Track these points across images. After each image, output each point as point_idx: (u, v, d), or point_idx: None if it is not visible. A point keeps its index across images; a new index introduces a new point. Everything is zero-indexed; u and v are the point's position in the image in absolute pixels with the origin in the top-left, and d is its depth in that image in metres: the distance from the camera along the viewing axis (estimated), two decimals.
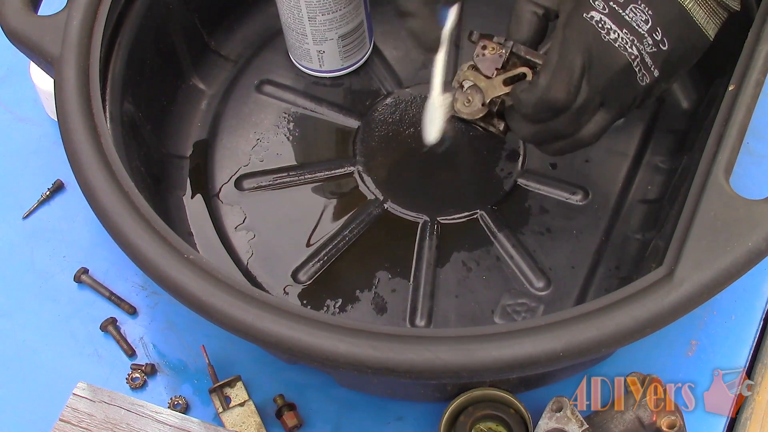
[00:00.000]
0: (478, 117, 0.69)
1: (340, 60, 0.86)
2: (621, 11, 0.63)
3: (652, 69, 0.64)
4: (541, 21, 0.68)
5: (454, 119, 0.71)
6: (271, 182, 0.82)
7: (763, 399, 0.72)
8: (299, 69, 0.88)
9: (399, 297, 0.76)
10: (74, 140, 0.67)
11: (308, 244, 0.78)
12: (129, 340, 0.76)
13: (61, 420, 0.68)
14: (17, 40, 0.72)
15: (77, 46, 0.70)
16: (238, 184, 0.82)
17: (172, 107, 0.85)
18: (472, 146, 0.82)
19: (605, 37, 0.63)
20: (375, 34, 0.88)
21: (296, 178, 0.82)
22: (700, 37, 0.64)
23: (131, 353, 0.75)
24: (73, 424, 0.67)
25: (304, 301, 0.76)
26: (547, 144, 0.69)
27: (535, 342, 0.58)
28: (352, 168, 0.82)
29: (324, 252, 0.78)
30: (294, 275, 0.77)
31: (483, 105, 0.69)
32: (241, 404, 0.71)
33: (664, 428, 0.65)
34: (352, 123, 0.85)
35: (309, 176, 0.82)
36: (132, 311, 0.77)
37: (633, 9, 0.63)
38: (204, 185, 0.82)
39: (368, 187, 0.81)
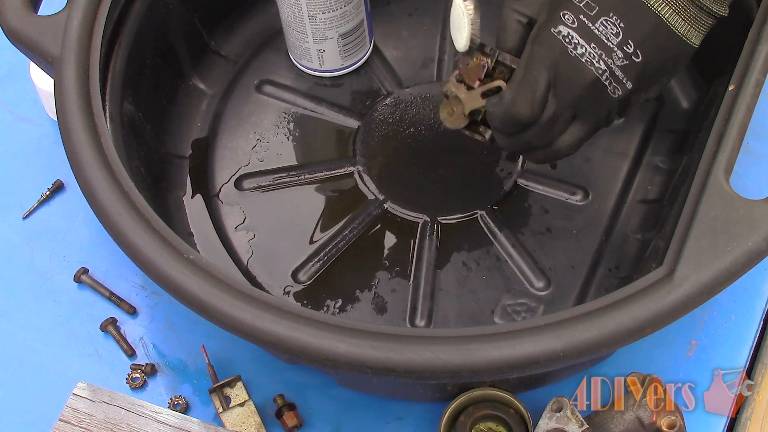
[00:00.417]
0: (461, 127, 0.70)
1: (341, 59, 0.86)
2: (590, 25, 0.63)
3: (624, 81, 0.63)
4: (526, 29, 0.67)
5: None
6: (271, 182, 0.82)
7: (763, 399, 0.72)
8: (299, 69, 0.88)
9: (399, 297, 0.76)
10: (74, 140, 0.67)
11: (308, 244, 0.78)
12: (129, 340, 0.76)
13: (61, 420, 0.68)
14: (17, 40, 0.72)
15: (77, 46, 0.70)
16: (238, 184, 0.82)
17: (172, 107, 0.85)
18: (472, 146, 0.82)
19: (572, 53, 0.63)
20: (375, 34, 0.88)
21: (296, 178, 0.82)
22: (681, 46, 0.63)
23: (131, 353, 0.75)
24: (73, 424, 0.67)
25: (304, 301, 0.76)
26: (525, 154, 0.70)
27: (535, 342, 0.58)
28: (352, 168, 0.82)
29: (324, 252, 0.78)
30: (294, 275, 0.77)
31: (464, 116, 0.69)
32: (241, 404, 0.71)
33: (664, 428, 0.65)
34: (352, 123, 0.85)
35: (309, 176, 0.82)
36: (132, 311, 0.77)
37: (603, 22, 0.62)
38: (204, 185, 0.82)
39: (368, 187, 0.81)
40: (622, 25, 0.62)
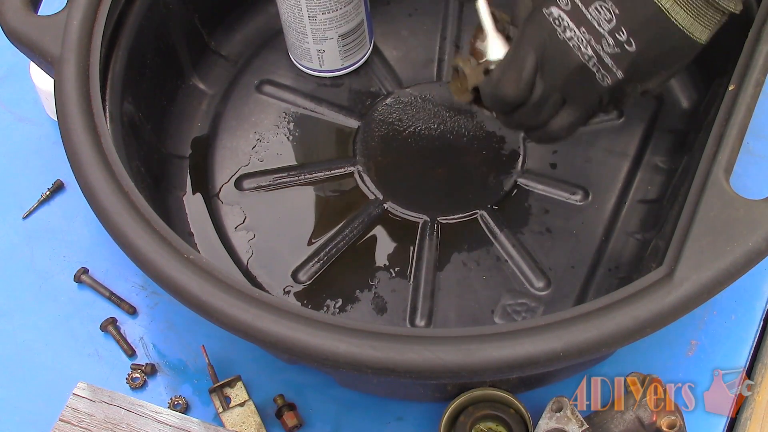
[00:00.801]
0: (467, 101, 0.69)
1: (340, 59, 0.86)
2: (583, 8, 0.61)
3: (614, 70, 0.62)
4: None
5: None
6: (271, 182, 0.82)
7: (763, 399, 0.72)
8: (299, 69, 0.88)
9: (399, 297, 0.76)
10: (74, 140, 0.67)
11: (308, 244, 0.78)
12: (129, 340, 0.76)
13: (61, 420, 0.68)
14: (17, 40, 0.71)
15: (77, 46, 0.70)
16: (238, 184, 0.82)
17: (172, 107, 0.85)
18: (472, 146, 0.82)
19: (560, 35, 0.62)
20: (375, 34, 0.88)
21: (296, 178, 0.82)
22: (682, 39, 0.61)
23: (131, 353, 0.75)
24: (73, 424, 0.67)
25: (304, 301, 0.76)
26: (524, 132, 0.69)
27: (535, 342, 0.58)
28: (352, 168, 0.82)
29: (324, 252, 0.78)
30: (294, 275, 0.77)
31: (468, 91, 0.69)
32: (241, 404, 0.71)
33: (664, 428, 0.65)
34: (352, 123, 0.85)
35: (309, 176, 0.82)
36: (132, 311, 0.77)
37: (598, 6, 0.60)
38: (204, 185, 0.82)
39: (368, 187, 0.81)
40: (616, 11, 0.60)
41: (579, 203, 0.79)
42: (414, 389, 0.71)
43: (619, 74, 0.62)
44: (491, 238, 0.78)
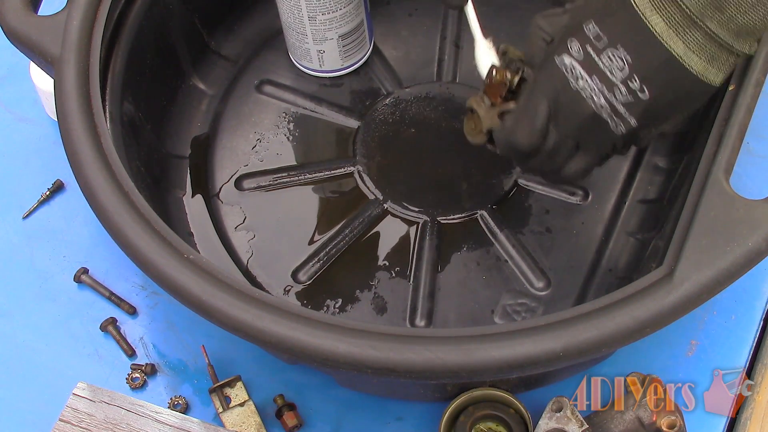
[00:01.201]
0: (481, 143, 0.70)
1: (340, 60, 0.86)
2: (595, 56, 0.60)
3: (628, 118, 0.61)
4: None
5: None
6: (271, 182, 0.82)
7: (763, 399, 0.72)
8: (299, 69, 0.88)
9: (399, 297, 0.76)
10: (74, 140, 0.67)
11: (308, 244, 0.78)
12: (129, 340, 0.76)
13: (61, 420, 0.68)
14: (17, 40, 0.72)
15: (77, 46, 0.70)
16: (238, 184, 0.82)
17: (172, 107, 0.85)
18: (472, 146, 0.82)
19: (573, 85, 0.61)
20: (375, 34, 0.88)
21: (296, 178, 0.82)
22: (696, 84, 0.59)
23: (131, 353, 0.75)
24: (73, 424, 0.67)
25: (304, 301, 0.76)
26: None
27: (535, 342, 0.58)
28: (352, 168, 0.82)
29: (324, 252, 0.78)
30: (294, 275, 0.77)
31: (483, 133, 0.69)
32: (241, 404, 0.71)
33: (664, 428, 0.65)
34: (352, 123, 0.85)
35: (309, 176, 0.82)
36: (132, 311, 0.77)
37: (610, 55, 0.59)
38: (204, 185, 0.82)
39: (368, 187, 0.81)
40: (629, 58, 0.59)
41: (579, 203, 0.79)
42: (414, 389, 0.71)
43: (633, 122, 0.61)
44: (491, 238, 0.78)
